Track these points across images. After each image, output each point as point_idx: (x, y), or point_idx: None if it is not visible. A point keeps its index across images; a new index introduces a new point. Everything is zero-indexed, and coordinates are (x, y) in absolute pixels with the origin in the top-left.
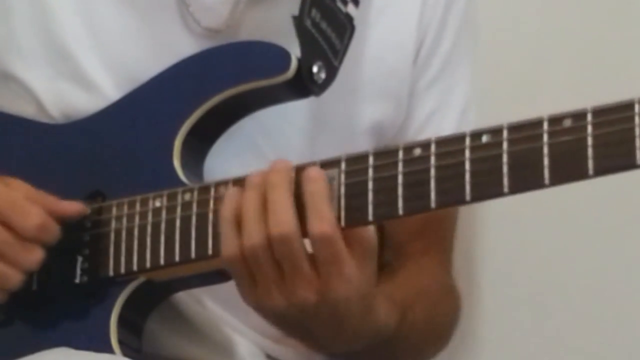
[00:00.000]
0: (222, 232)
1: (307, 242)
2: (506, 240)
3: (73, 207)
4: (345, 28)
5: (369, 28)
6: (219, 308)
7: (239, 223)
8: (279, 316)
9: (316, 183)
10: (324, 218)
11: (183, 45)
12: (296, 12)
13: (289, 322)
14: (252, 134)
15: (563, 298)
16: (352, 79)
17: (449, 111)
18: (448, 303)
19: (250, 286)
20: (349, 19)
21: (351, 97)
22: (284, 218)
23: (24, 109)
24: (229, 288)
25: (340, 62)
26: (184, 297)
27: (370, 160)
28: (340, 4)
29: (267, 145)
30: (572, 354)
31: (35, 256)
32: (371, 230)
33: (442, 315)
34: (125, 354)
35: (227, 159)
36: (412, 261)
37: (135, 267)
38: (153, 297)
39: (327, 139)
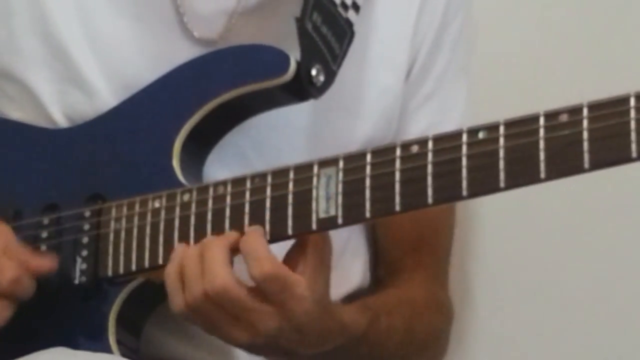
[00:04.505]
0: (167, 288)
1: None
2: (501, 239)
3: (45, 264)
4: (345, 33)
5: (366, 42)
6: None
7: (182, 279)
8: (248, 347)
9: (249, 232)
10: (260, 259)
11: (179, 54)
12: (290, 23)
13: (259, 348)
14: (242, 145)
15: (559, 298)
16: (345, 95)
17: (446, 128)
18: (434, 316)
19: (211, 330)
20: (349, 24)
21: (344, 112)
22: (218, 272)
23: (20, 112)
24: None
25: (339, 66)
26: None
27: (368, 157)
28: (341, 9)
29: (256, 157)
30: (568, 353)
31: (4, 313)
32: (327, 235)
33: (425, 326)
34: (123, 354)
35: (216, 169)
36: (404, 275)
37: (134, 267)
38: (152, 298)
39: (319, 153)
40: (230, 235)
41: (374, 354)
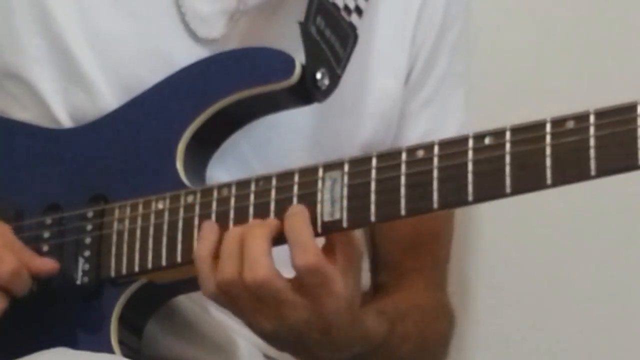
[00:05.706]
0: (198, 268)
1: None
2: (500, 241)
3: (47, 264)
4: (348, 37)
5: (367, 45)
6: (218, 310)
7: (215, 259)
8: (270, 336)
9: (295, 217)
10: (307, 249)
11: (181, 53)
12: (292, 24)
13: (281, 339)
14: (243, 147)
15: (559, 299)
16: (346, 98)
17: (444, 135)
18: (441, 322)
19: (237, 313)
20: (352, 28)
21: (345, 115)
22: (261, 263)
23: (24, 111)
24: None
25: (343, 70)
26: (184, 300)
27: (374, 162)
28: (344, 13)
29: (256, 159)
30: (567, 354)
31: None
32: (356, 237)
33: (435, 332)
34: (124, 355)
35: (216, 172)
36: (405, 279)
37: (137, 268)
38: (154, 299)
39: (318, 156)
40: (271, 223)
41: (388, 359)
